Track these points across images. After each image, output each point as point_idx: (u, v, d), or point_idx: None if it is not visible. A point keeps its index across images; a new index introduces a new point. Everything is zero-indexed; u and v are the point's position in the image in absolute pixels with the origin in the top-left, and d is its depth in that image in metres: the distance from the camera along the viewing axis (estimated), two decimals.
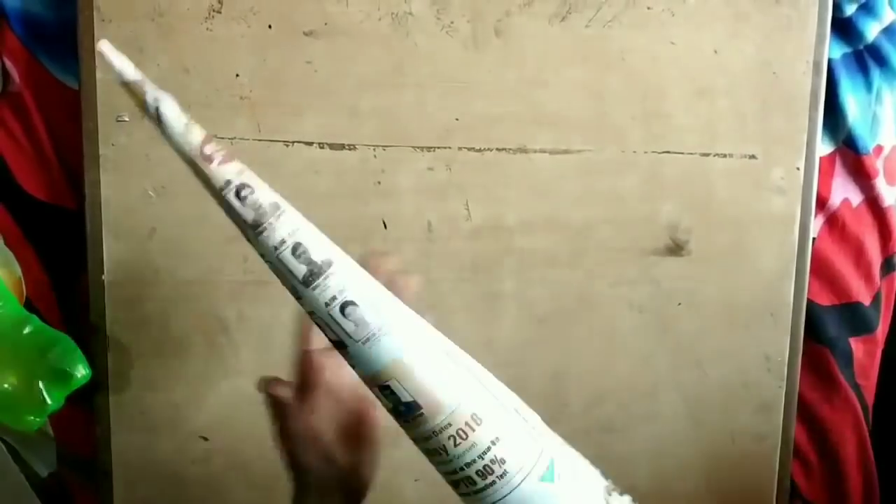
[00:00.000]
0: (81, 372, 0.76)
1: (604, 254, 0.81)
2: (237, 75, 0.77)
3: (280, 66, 0.77)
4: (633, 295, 0.82)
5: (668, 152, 0.80)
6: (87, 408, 0.81)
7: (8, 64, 0.77)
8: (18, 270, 0.79)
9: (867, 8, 0.81)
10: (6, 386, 0.74)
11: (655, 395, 0.84)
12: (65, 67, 0.78)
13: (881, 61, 0.83)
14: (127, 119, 0.76)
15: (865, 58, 0.83)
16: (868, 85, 0.84)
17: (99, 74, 0.76)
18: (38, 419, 0.75)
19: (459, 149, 0.79)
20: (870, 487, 0.92)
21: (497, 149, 0.79)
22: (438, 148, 0.79)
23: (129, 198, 0.78)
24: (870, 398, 0.91)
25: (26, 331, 0.75)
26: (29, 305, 0.79)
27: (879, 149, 0.86)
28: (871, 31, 0.82)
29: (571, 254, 0.81)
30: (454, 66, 0.78)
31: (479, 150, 0.79)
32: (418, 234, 0.80)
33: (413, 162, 0.79)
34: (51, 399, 0.74)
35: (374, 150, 0.78)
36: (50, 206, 0.80)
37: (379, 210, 0.79)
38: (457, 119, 0.78)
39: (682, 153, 0.80)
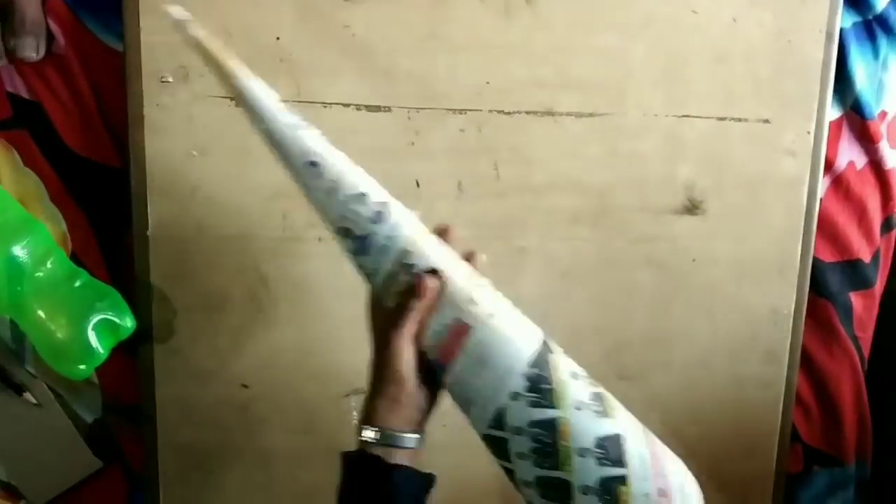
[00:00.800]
0: (128, 323, 0.80)
1: (624, 213, 0.85)
2: (278, 38, 0.79)
3: (319, 30, 0.79)
4: (650, 251, 0.86)
5: (687, 116, 0.84)
6: (131, 357, 0.84)
7: (53, 25, 0.79)
8: (64, 226, 0.83)
9: None
10: (59, 336, 0.77)
11: (670, 346, 0.88)
12: (109, 28, 0.80)
13: (888, 30, 0.87)
14: (171, 80, 0.79)
15: (874, 27, 0.87)
16: (875, 53, 0.88)
17: (143, 37, 0.78)
18: (87, 368, 0.79)
19: (490, 111, 0.82)
20: (864, 432, 0.97)
21: (526, 112, 0.83)
22: (470, 110, 0.82)
23: (173, 157, 0.80)
24: (866, 349, 0.96)
25: (76, 284, 0.79)
26: (75, 260, 0.82)
27: (884, 114, 0.90)
28: (881, 1, 0.86)
29: (594, 213, 0.85)
30: (486, 31, 0.81)
31: (509, 113, 0.82)
32: (449, 193, 0.84)
33: (446, 123, 0.82)
34: (101, 348, 0.78)
35: (409, 111, 0.82)
36: (95, 164, 0.82)
37: (412, 169, 0.83)
38: (488, 83, 0.82)
39: (700, 117, 0.84)
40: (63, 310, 0.78)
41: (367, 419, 0.63)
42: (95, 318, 0.78)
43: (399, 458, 0.61)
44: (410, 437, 0.63)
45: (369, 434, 0.62)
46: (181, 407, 0.85)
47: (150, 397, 0.85)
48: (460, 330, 0.63)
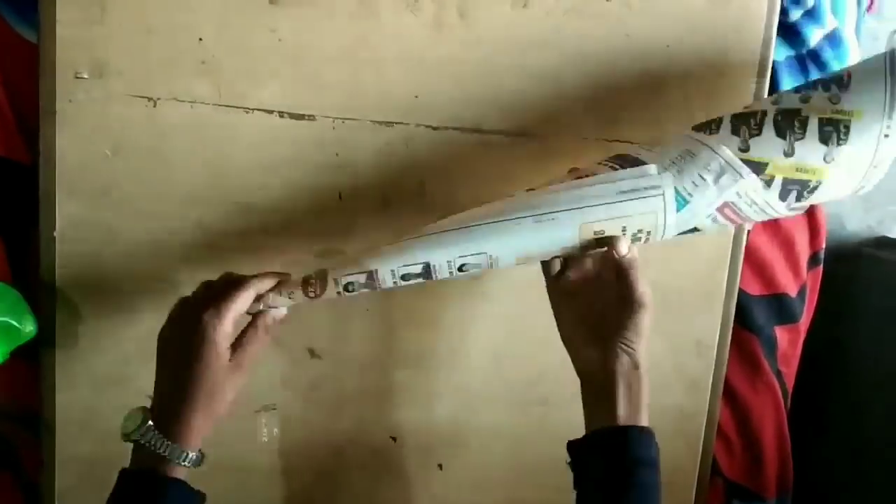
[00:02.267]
0: (28, 327, 0.77)
1: None
2: (200, 39, 0.77)
3: (244, 33, 0.77)
4: None
5: (618, 140, 0.83)
6: (32, 363, 0.81)
7: None
8: None
9: (811, 14, 0.85)
10: None
11: None
12: (24, 19, 0.77)
13: (821, 66, 0.87)
14: (86, 76, 0.76)
15: (807, 62, 0.87)
16: None
17: (59, 29, 0.75)
18: None
19: (417, 125, 0.80)
20: (785, 467, 0.97)
21: (454, 128, 0.81)
22: (397, 123, 0.80)
23: (85, 155, 0.77)
24: (790, 384, 0.96)
25: None
26: None
27: None
28: (814, 36, 0.86)
29: None
30: (417, 44, 0.79)
31: (437, 128, 0.81)
32: (373, 208, 0.81)
33: (371, 136, 0.80)
34: None
35: (334, 121, 0.79)
36: (3, 160, 0.79)
37: (336, 182, 0.81)
38: (416, 97, 0.80)
39: (631, 142, 0.83)
40: None
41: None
42: None
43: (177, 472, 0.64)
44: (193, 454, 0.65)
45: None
46: (82, 417, 0.82)
47: (49, 406, 0.81)
48: None
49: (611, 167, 0.71)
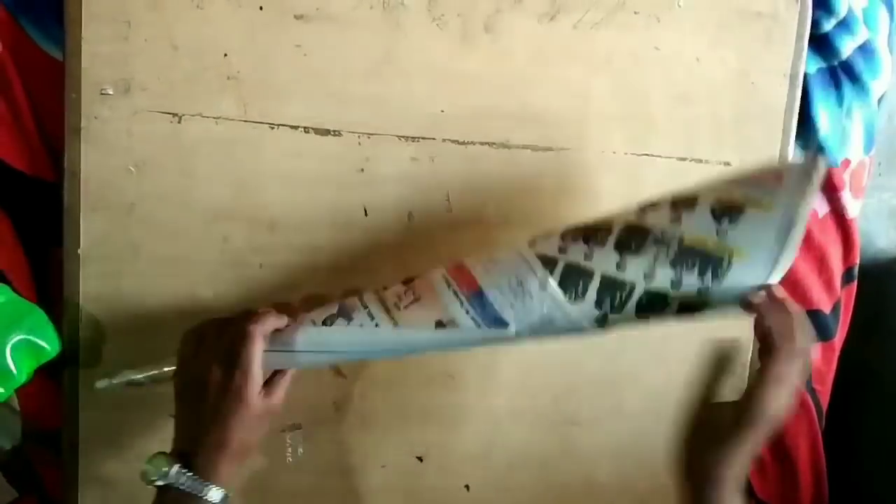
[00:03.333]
0: (52, 346, 0.76)
1: None
2: (225, 55, 0.76)
3: (269, 49, 0.77)
4: None
5: (646, 155, 0.82)
6: (55, 381, 0.80)
7: None
8: None
9: (844, 25, 0.84)
10: None
11: (621, 391, 0.86)
12: (50, 37, 0.77)
13: (854, 78, 0.86)
14: (111, 93, 0.76)
15: (839, 73, 0.86)
16: (840, 100, 0.87)
17: (85, 46, 0.75)
18: (4, 391, 0.74)
19: (444, 140, 0.80)
20: (820, 488, 0.94)
21: (480, 142, 0.80)
22: (423, 139, 0.79)
23: (110, 172, 0.77)
24: (824, 402, 0.94)
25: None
26: (1, 276, 0.78)
27: (847, 162, 0.88)
28: (847, 47, 0.85)
29: None
30: (442, 58, 0.78)
31: (463, 143, 0.80)
32: (398, 223, 0.81)
33: (397, 151, 0.79)
34: (19, 371, 0.74)
35: (359, 137, 0.79)
36: (28, 177, 0.78)
37: (361, 197, 0.80)
38: (442, 111, 0.79)
39: (660, 156, 0.82)
40: None
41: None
42: (15, 339, 0.74)
43: None
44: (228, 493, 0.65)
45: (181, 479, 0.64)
46: (105, 437, 0.81)
47: (73, 425, 0.80)
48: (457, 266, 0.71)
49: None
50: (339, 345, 0.69)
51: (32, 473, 0.84)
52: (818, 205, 0.89)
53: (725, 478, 0.59)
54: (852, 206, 0.89)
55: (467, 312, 0.68)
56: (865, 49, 0.85)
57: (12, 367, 0.73)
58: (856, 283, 0.93)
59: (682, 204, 0.66)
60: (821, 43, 0.85)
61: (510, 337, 0.67)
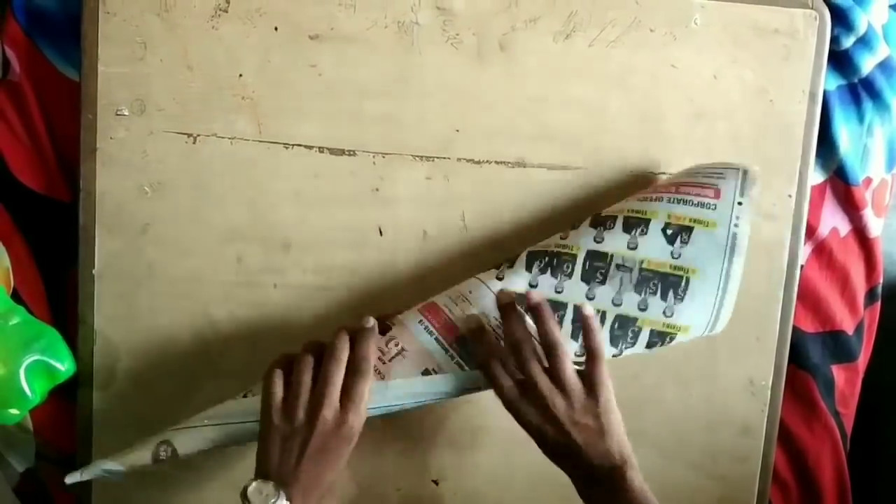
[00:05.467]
0: (66, 366, 0.76)
1: None
2: (240, 75, 0.76)
3: (284, 69, 0.77)
4: None
5: (664, 173, 0.81)
6: (70, 402, 0.80)
7: (9, 52, 0.77)
8: (7, 261, 0.79)
9: (863, 42, 0.83)
10: None
11: (640, 414, 0.84)
12: (66, 58, 0.77)
13: (874, 95, 0.85)
14: (126, 113, 0.76)
15: (859, 91, 0.85)
16: (860, 117, 0.85)
17: (101, 67, 0.75)
18: (19, 412, 0.74)
19: (459, 160, 0.79)
20: None
21: (496, 161, 0.79)
22: (438, 158, 0.79)
23: (125, 192, 0.77)
24: (849, 426, 0.92)
25: (12, 322, 0.75)
26: (16, 297, 0.78)
27: (868, 181, 0.87)
28: (867, 64, 0.83)
29: None
30: (457, 77, 0.78)
31: (478, 162, 0.79)
32: (413, 243, 0.80)
33: (412, 170, 0.79)
34: (33, 392, 0.74)
35: (374, 156, 0.78)
36: (43, 198, 0.79)
37: (376, 217, 0.79)
38: (457, 130, 0.79)
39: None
40: None
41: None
42: (29, 360, 0.73)
43: None
44: None
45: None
46: None
47: (86, 447, 0.80)
48: (430, 307, 0.74)
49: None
50: None
51: (46, 496, 0.83)
52: (840, 224, 0.88)
53: None
54: (875, 225, 0.88)
55: (452, 358, 0.71)
56: (886, 66, 0.84)
57: (27, 388, 0.73)
58: (879, 303, 0.91)
59: (635, 224, 0.71)
60: (840, 60, 0.84)
61: None
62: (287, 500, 0.64)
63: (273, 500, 0.63)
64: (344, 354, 0.68)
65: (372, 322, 0.71)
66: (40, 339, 0.75)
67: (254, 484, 0.64)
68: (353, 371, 0.68)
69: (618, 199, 0.80)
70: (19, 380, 0.73)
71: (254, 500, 0.64)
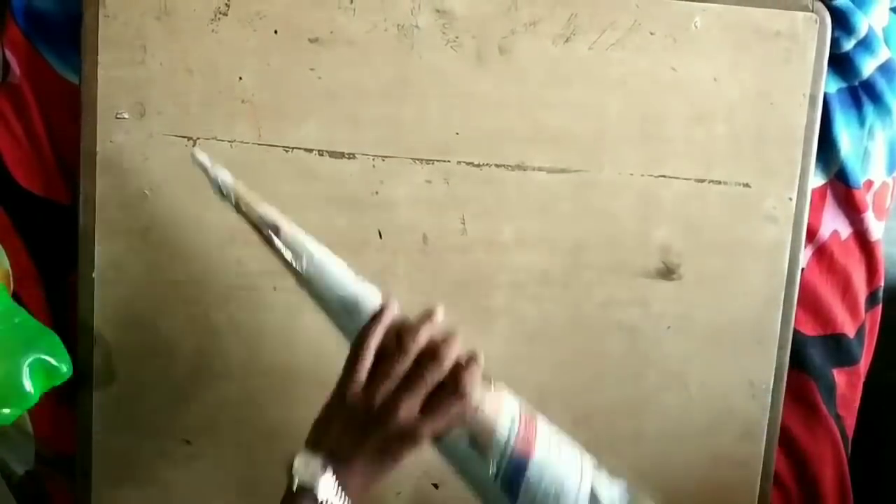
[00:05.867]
0: (64, 368, 0.75)
1: (596, 274, 0.82)
2: (240, 78, 0.77)
3: (283, 72, 0.77)
4: (622, 316, 0.82)
5: (664, 176, 0.80)
6: (69, 405, 0.80)
7: (8, 55, 0.77)
8: (6, 263, 0.78)
9: (864, 44, 0.82)
10: None
11: (641, 416, 0.84)
12: (66, 62, 0.77)
13: (875, 98, 0.84)
14: (126, 116, 0.76)
15: (860, 93, 0.85)
16: (861, 120, 0.85)
17: (101, 70, 0.75)
18: (13, 412, 0.73)
19: (458, 163, 0.79)
20: None
21: (496, 164, 0.79)
22: (437, 161, 0.79)
23: (124, 195, 0.77)
24: (850, 429, 0.92)
25: (14, 321, 0.74)
26: (17, 299, 0.78)
27: (869, 183, 0.87)
28: (868, 67, 0.83)
29: (564, 273, 0.81)
30: (457, 80, 0.78)
31: (478, 165, 0.79)
32: (413, 246, 0.80)
33: (411, 173, 0.79)
34: (32, 390, 0.73)
35: (374, 159, 0.78)
36: (43, 200, 0.79)
37: (375, 220, 0.79)
38: (457, 133, 0.79)
39: (677, 178, 0.81)
40: None
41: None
42: (31, 358, 0.73)
43: None
44: None
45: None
46: (119, 461, 0.80)
47: (86, 450, 0.80)
48: (529, 419, 0.67)
49: None
50: None
51: (45, 498, 0.83)
52: (840, 227, 0.87)
53: None
54: (875, 228, 0.87)
55: (500, 460, 0.63)
56: (886, 69, 0.84)
57: (28, 386, 0.72)
58: (881, 306, 0.91)
59: None
60: (841, 63, 0.83)
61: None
62: (333, 476, 0.59)
63: (319, 477, 0.59)
64: (449, 365, 0.62)
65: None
66: (40, 340, 0.75)
67: (302, 456, 0.60)
68: (453, 390, 0.62)
69: (617, 202, 0.80)
70: (21, 378, 0.72)
71: (300, 472, 0.59)
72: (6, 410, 0.72)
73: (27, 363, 0.73)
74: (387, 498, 0.84)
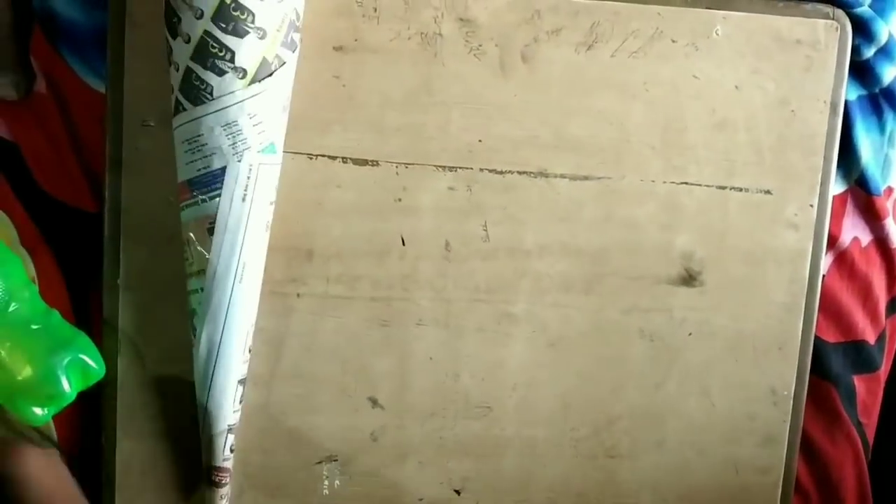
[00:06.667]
0: (99, 366, 0.76)
1: (618, 281, 0.82)
2: None
3: (308, 80, 0.77)
4: (644, 323, 0.83)
5: (685, 183, 0.81)
6: (93, 412, 0.80)
7: (34, 63, 0.77)
8: (33, 270, 0.79)
9: (885, 52, 0.83)
10: (24, 374, 0.72)
11: (662, 424, 0.84)
12: (91, 70, 0.78)
13: (895, 105, 0.85)
14: (152, 124, 0.76)
15: (880, 101, 0.85)
16: (882, 127, 0.86)
17: (127, 78, 0.76)
18: (48, 412, 0.73)
19: (481, 170, 0.79)
20: None
21: (518, 171, 0.80)
22: (460, 168, 0.79)
23: (149, 203, 0.77)
24: (871, 436, 0.92)
25: (50, 322, 0.75)
26: None
27: (890, 190, 0.87)
28: (888, 74, 0.84)
29: (586, 279, 0.82)
30: (480, 88, 0.79)
31: (501, 173, 0.80)
32: (435, 253, 0.80)
33: (434, 180, 0.79)
34: (70, 389, 0.73)
35: (397, 167, 0.79)
36: (69, 208, 0.79)
37: (398, 226, 0.80)
38: (480, 140, 0.79)
39: (699, 185, 0.81)
40: (33, 347, 0.73)
41: None
42: (68, 358, 0.73)
43: None
44: None
45: None
46: (143, 468, 0.81)
47: (110, 457, 0.80)
48: None
49: None
50: None
51: None
52: (861, 234, 0.88)
53: None
54: None
55: None
56: None
57: (66, 385, 0.73)
58: None
59: None
60: (861, 70, 0.84)
61: None
62: None
63: None
64: None
65: None
66: (75, 340, 0.75)
67: None
68: None
69: (640, 209, 0.80)
70: (58, 376, 0.73)
71: None
72: (40, 410, 0.72)
73: (66, 361, 0.73)
74: (407, 502, 0.84)
